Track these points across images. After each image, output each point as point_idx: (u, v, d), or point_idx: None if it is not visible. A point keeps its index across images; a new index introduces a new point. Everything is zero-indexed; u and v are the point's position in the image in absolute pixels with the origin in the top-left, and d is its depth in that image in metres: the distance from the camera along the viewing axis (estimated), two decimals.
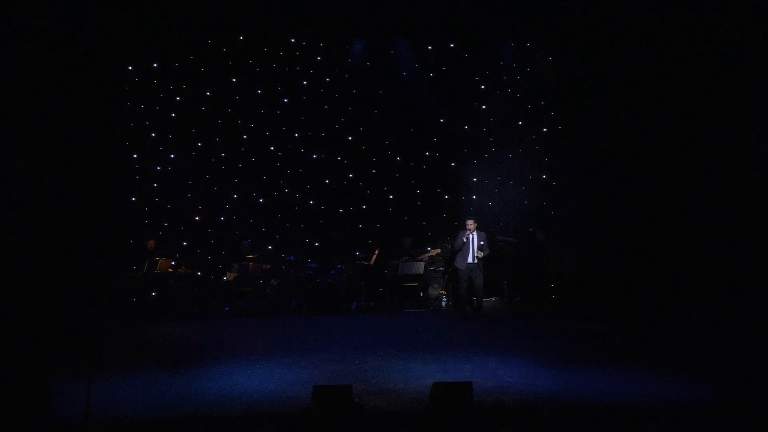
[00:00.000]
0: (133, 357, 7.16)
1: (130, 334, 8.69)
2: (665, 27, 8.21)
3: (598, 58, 10.10)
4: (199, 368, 6.56)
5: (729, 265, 6.73)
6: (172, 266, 10.59)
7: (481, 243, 9.61)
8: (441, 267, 11.29)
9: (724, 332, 6.62)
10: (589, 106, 10.64)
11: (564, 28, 10.30)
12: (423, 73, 12.21)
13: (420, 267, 10.87)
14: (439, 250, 11.36)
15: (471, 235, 9.62)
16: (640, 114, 9.09)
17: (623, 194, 9.53)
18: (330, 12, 10.03)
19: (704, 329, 7.15)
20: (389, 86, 12.22)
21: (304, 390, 5.48)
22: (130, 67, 11.18)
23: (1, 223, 4.86)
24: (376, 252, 11.38)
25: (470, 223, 9.67)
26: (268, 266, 11.00)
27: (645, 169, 8.93)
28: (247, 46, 11.71)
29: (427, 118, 12.23)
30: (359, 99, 12.22)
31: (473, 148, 12.34)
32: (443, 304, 11.08)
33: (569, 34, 10.50)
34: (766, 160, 6.32)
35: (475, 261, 9.57)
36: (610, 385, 5.87)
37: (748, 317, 6.29)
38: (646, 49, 8.79)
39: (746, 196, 6.48)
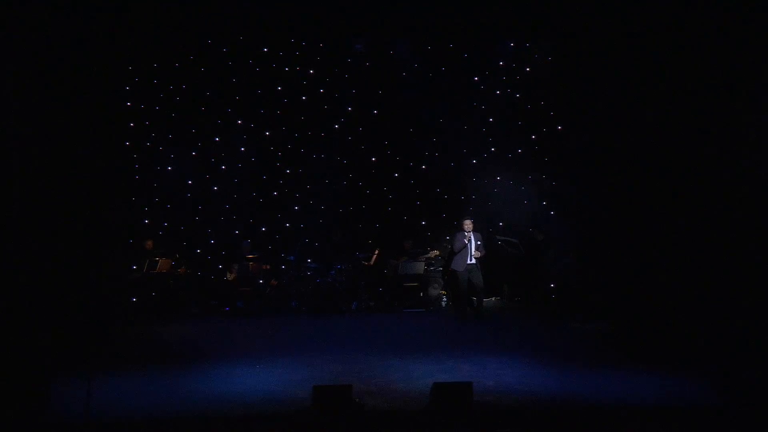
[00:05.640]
0: (133, 357, 7.16)
1: (130, 334, 8.69)
2: (665, 27, 8.21)
3: (598, 58, 10.10)
4: (199, 368, 6.55)
5: (729, 265, 6.74)
6: (172, 266, 10.59)
7: (478, 243, 9.61)
8: (440, 267, 11.29)
9: (724, 332, 6.63)
10: (589, 106, 10.65)
11: (564, 28, 10.32)
12: (423, 72, 12.21)
13: (420, 267, 10.87)
14: (438, 252, 11.37)
15: (470, 236, 9.61)
16: (640, 113, 9.09)
17: (623, 194, 9.53)
18: (330, 12, 10.05)
19: (704, 329, 7.15)
20: (389, 86, 12.22)
21: (304, 390, 5.48)
22: (130, 67, 11.18)
23: (1, 223, 4.86)
24: (376, 252, 11.39)
25: (468, 224, 9.66)
26: (268, 266, 11.00)
27: (645, 168, 8.94)
28: (247, 46, 11.71)
29: (427, 118, 12.23)
30: (359, 99, 12.22)
31: (473, 148, 12.35)
32: (443, 304, 11.08)
33: (569, 34, 10.52)
34: (766, 160, 6.33)
35: (474, 262, 9.56)
36: (611, 385, 5.88)
37: (748, 317, 6.30)
38: (646, 50, 8.79)
39: (746, 196, 6.49)
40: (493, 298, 11.59)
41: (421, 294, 10.94)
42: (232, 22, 10.79)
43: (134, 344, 8.04)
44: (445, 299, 11.15)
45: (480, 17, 10.32)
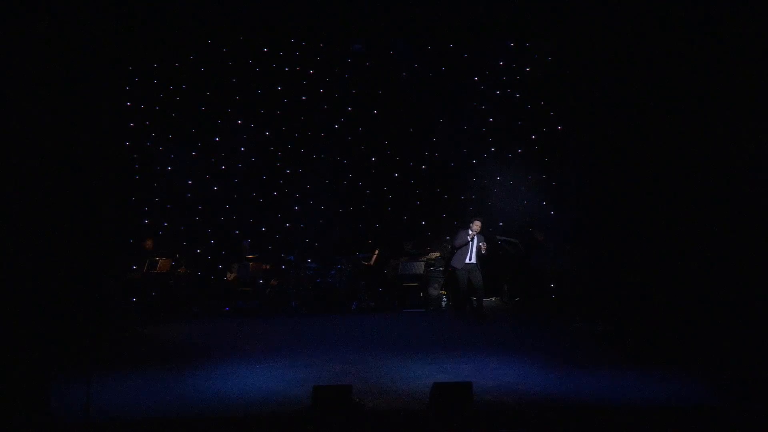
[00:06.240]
0: (133, 357, 7.17)
1: (130, 334, 8.69)
2: (665, 27, 8.22)
3: (598, 57, 10.11)
4: (199, 368, 6.56)
5: (729, 265, 6.74)
6: (172, 266, 10.59)
7: (480, 245, 9.59)
8: (441, 267, 11.29)
9: (725, 332, 6.62)
10: (589, 105, 10.65)
11: (564, 28, 10.32)
12: (422, 72, 12.20)
13: (420, 267, 10.86)
14: (438, 253, 11.37)
15: (474, 236, 9.57)
16: (640, 113, 9.09)
17: (623, 194, 9.53)
18: (330, 12, 10.04)
19: (704, 329, 7.15)
20: (389, 86, 12.22)
21: (304, 390, 5.48)
22: (130, 67, 11.18)
23: (2, 223, 4.86)
24: (376, 252, 11.39)
25: (476, 225, 9.57)
26: (268, 266, 11.00)
27: (645, 168, 8.94)
28: (247, 46, 11.72)
29: (427, 118, 12.22)
30: (359, 99, 12.22)
31: (473, 148, 12.34)
32: (443, 304, 11.07)
33: (569, 34, 10.53)
34: (766, 160, 6.33)
35: (473, 261, 9.54)
36: (611, 385, 5.87)
37: (748, 317, 6.30)
38: (646, 49, 8.80)
39: (746, 196, 6.49)
40: (493, 298, 11.58)
41: (421, 294, 10.93)
42: (232, 22, 10.79)
43: (134, 344, 8.04)
44: (445, 299, 11.14)
45: (480, 17, 10.31)
